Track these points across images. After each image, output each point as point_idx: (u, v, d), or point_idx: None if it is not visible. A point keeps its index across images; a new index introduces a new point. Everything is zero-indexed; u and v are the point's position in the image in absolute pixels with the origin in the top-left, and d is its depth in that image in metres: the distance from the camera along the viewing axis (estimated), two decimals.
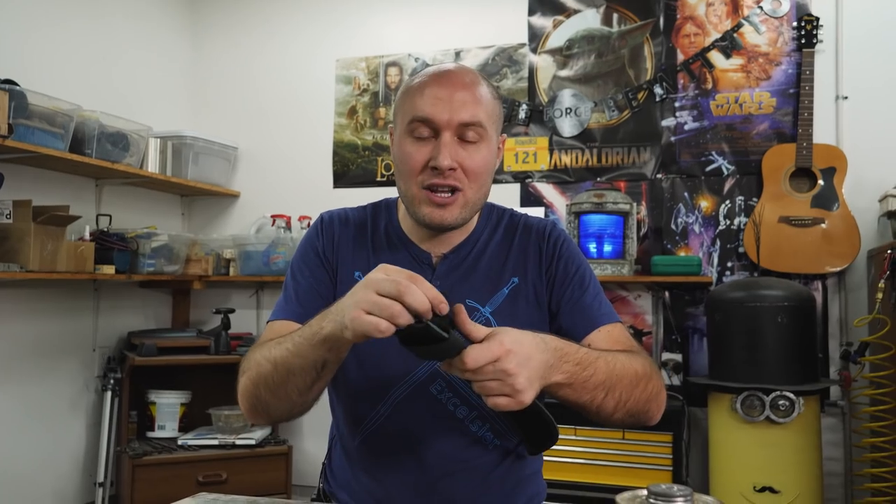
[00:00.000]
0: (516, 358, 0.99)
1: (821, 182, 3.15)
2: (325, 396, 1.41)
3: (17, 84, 2.77)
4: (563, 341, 1.10)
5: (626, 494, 0.79)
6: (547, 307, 1.35)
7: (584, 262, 1.40)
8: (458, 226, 1.30)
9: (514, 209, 1.47)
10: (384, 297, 0.96)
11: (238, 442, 3.29)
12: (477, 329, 1.01)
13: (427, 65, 3.81)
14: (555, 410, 1.13)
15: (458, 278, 1.34)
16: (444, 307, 0.98)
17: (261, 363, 1.19)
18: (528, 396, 1.01)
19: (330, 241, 1.38)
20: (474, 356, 0.97)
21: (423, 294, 0.96)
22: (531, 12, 3.68)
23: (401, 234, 1.38)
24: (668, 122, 3.46)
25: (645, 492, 0.78)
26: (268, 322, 1.35)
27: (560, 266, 1.37)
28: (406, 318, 0.95)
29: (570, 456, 2.93)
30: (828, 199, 3.13)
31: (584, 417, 1.20)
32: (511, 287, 1.34)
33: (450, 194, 1.26)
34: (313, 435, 3.77)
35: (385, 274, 0.99)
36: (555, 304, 1.35)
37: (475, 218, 1.39)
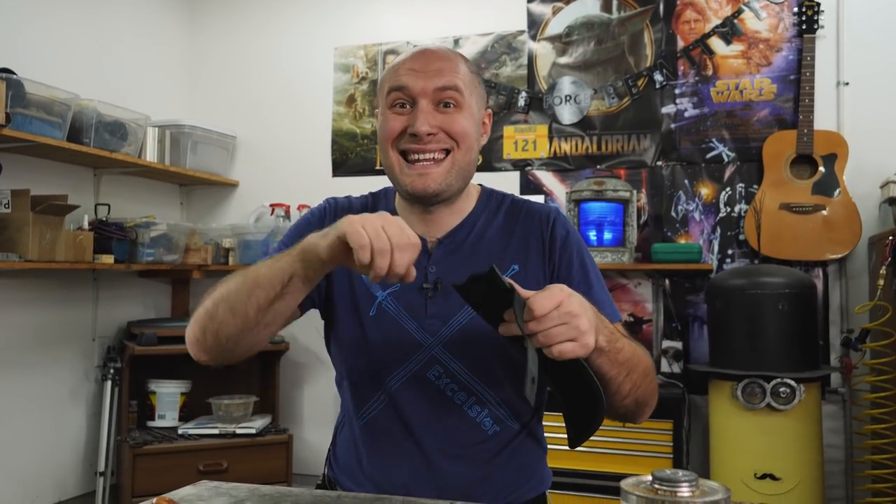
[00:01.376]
0: (577, 300, 1.03)
1: (822, 169, 3.14)
2: (333, 388, 1.41)
3: (14, 73, 2.76)
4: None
5: (630, 480, 0.79)
6: None
7: (587, 253, 1.39)
8: (444, 193, 1.29)
9: (515, 195, 1.45)
10: (387, 238, 1.01)
11: (238, 431, 3.29)
12: (522, 289, 1.04)
13: None
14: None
15: (455, 263, 1.32)
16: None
17: (229, 281, 1.20)
18: (592, 339, 1.04)
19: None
20: (540, 303, 1.01)
21: (408, 264, 1.03)
22: None
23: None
24: (668, 109, 3.45)
25: (650, 477, 0.77)
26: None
27: (563, 258, 1.35)
28: (382, 268, 1.01)
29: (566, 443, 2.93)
30: (829, 186, 3.12)
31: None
32: (511, 274, 1.32)
33: (431, 162, 1.27)
34: (314, 424, 3.77)
35: (400, 228, 1.04)
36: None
37: (472, 201, 1.38)
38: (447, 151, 1.28)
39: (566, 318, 1.01)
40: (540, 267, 1.35)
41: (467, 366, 1.28)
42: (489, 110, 1.39)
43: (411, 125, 1.26)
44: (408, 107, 1.28)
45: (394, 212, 1.38)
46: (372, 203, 1.43)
